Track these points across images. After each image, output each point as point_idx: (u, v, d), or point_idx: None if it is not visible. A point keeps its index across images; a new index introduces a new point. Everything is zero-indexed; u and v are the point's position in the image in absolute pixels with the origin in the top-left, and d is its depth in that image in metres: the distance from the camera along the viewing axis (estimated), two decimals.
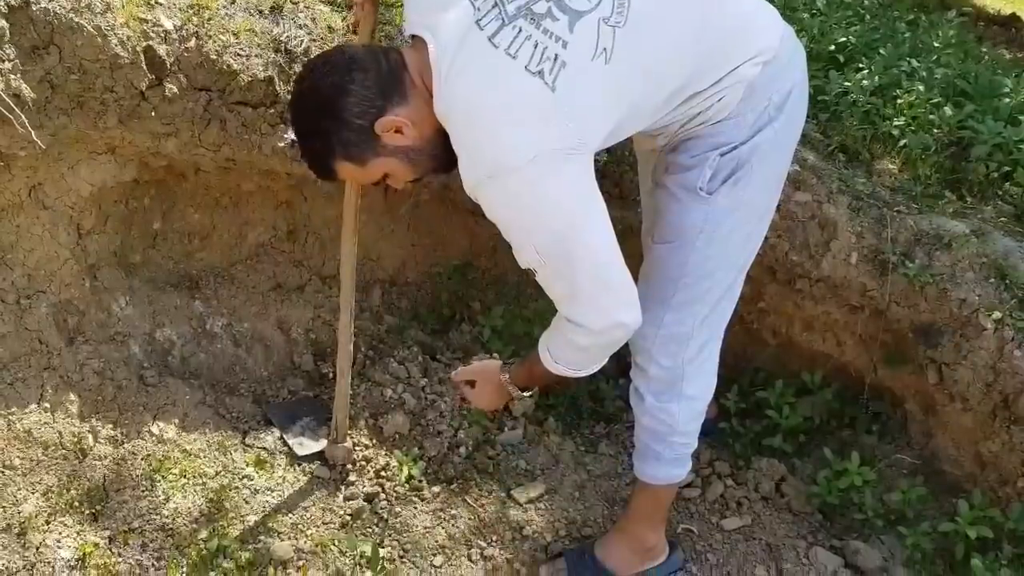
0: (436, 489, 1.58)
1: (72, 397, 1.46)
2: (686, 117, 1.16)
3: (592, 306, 1.09)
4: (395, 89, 1.05)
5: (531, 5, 1.01)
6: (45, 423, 1.41)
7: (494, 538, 1.51)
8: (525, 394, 1.32)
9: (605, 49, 1.02)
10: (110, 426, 1.48)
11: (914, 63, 1.93)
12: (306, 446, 1.59)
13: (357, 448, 1.60)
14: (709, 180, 1.17)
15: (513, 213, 1.04)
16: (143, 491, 1.42)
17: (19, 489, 1.33)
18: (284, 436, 1.60)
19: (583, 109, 1.01)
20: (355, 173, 1.12)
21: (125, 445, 1.47)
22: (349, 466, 1.58)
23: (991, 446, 1.53)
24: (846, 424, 1.78)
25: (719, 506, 1.63)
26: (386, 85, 1.04)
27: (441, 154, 1.08)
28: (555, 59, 0.99)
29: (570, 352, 1.18)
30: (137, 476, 1.43)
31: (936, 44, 2.11)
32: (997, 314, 1.49)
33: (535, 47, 0.99)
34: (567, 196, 1.03)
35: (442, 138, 1.06)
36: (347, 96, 1.03)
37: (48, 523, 1.33)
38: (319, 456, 1.59)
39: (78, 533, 1.33)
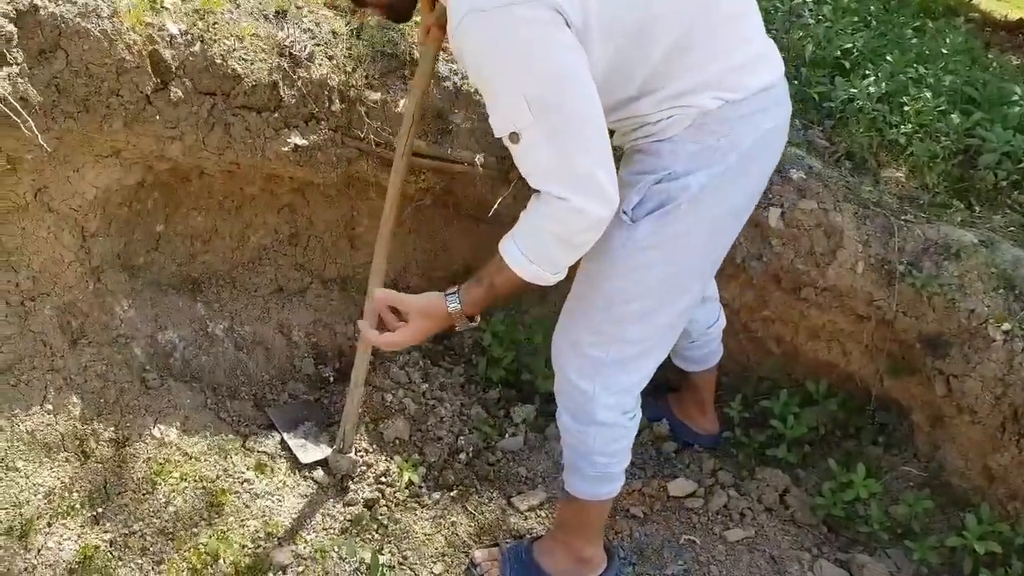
0: (436, 495, 1.58)
1: (75, 399, 1.46)
2: (636, 123, 1.13)
3: (579, 174, 0.99)
4: None
5: None
6: (48, 425, 1.41)
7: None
8: (471, 323, 1.14)
9: None
10: (112, 428, 1.48)
11: (921, 70, 1.91)
12: (310, 452, 1.58)
13: (358, 453, 1.60)
14: (635, 207, 1.13)
15: (502, 54, 0.96)
16: (144, 494, 1.42)
17: (21, 491, 1.33)
18: (286, 440, 1.60)
19: None
20: None
21: (126, 447, 1.47)
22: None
23: (1000, 459, 1.50)
24: (851, 435, 1.76)
25: (722, 517, 1.61)
26: None
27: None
28: None
29: (540, 241, 1.05)
30: (138, 479, 1.43)
31: (944, 51, 2.09)
32: (1007, 325, 1.47)
33: None
34: (559, 49, 0.95)
35: None
36: None
37: (49, 525, 1.33)
38: (321, 463, 1.58)
39: (79, 536, 1.33)
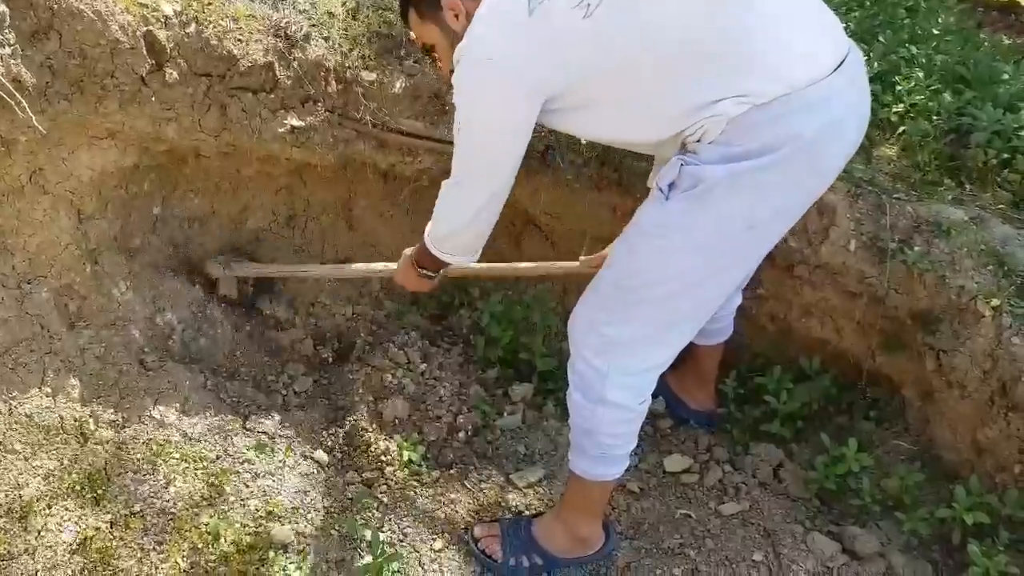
0: (435, 474, 1.59)
1: (73, 381, 1.46)
2: (680, 139, 1.17)
3: (455, 187, 1.28)
4: None
5: None
6: (46, 407, 1.42)
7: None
8: (429, 272, 1.48)
9: (589, 4, 1.07)
10: (111, 410, 1.48)
11: (914, 49, 1.92)
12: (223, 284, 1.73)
13: (358, 433, 1.61)
14: (669, 184, 1.16)
15: (461, 94, 1.19)
16: (144, 475, 1.42)
17: (20, 473, 1.34)
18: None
19: (545, 46, 1.10)
20: (416, 25, 1.30)
21: (126, 429, 1.48)
22: (348, 448, 1.59)
23: (988, 433, 1.53)
24: (844, 410, 1.78)
25: (717, 491, 1.63)
26: None
27: None
28: None
29: (436, 225, 1.35)
30: (138, 460, 1.44)
31: (936, 31, 2.10)
32: (995, 301, 1.49)
33: None
34: (503, 118, 1.17)
35: None
36: None
37: (49, 507, 1.33)
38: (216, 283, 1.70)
39: (79, 517, 1.34)
